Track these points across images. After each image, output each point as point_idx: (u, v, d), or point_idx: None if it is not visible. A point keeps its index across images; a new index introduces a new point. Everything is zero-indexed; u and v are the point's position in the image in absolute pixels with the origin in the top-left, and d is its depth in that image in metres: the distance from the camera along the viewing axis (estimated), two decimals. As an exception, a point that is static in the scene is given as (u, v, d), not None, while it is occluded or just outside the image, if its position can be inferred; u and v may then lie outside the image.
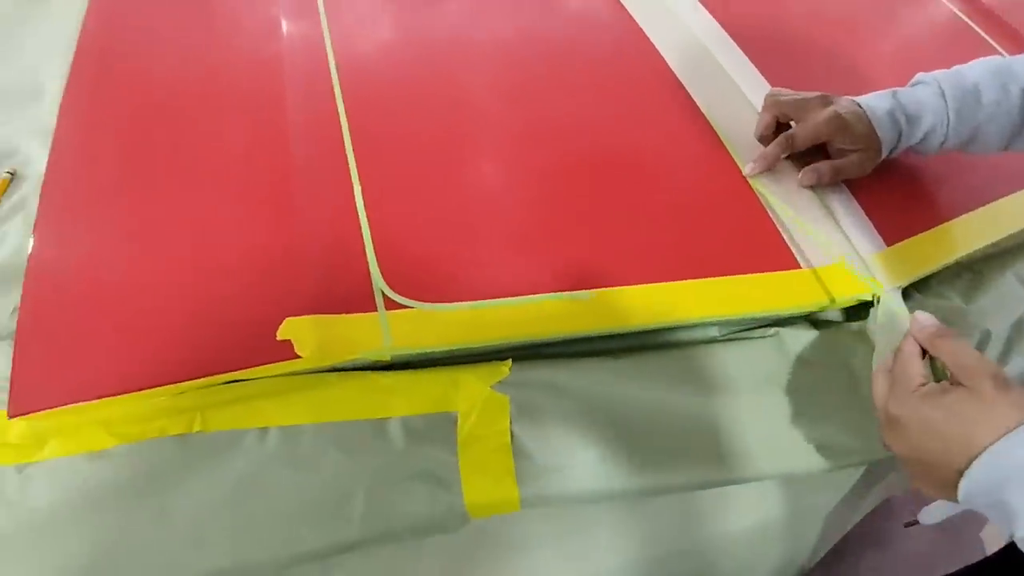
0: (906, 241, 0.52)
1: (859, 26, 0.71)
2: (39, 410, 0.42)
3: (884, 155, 0.53)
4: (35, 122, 0.60)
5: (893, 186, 0.55)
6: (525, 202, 0.54)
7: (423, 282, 0.48)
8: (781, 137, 0.54)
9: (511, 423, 0.46)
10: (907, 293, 0.52)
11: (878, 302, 0.48)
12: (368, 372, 0.46)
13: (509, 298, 0.47)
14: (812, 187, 0.54)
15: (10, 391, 0.42)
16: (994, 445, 0.33)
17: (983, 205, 0.55)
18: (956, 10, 0.74)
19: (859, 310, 0.51)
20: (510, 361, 0.47)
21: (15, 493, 0.41)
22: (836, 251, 0.51)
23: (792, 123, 0.55)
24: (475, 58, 0.66)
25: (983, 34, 0.72)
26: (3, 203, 0.54)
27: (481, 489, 0.45)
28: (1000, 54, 0.68)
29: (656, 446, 0.47)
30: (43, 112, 0.60)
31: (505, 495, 0.45)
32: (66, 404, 0.42)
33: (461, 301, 0.47)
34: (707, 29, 0.67)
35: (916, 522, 0.48)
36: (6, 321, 0.47)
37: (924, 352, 0.40)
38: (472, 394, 0.46)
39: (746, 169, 0.55)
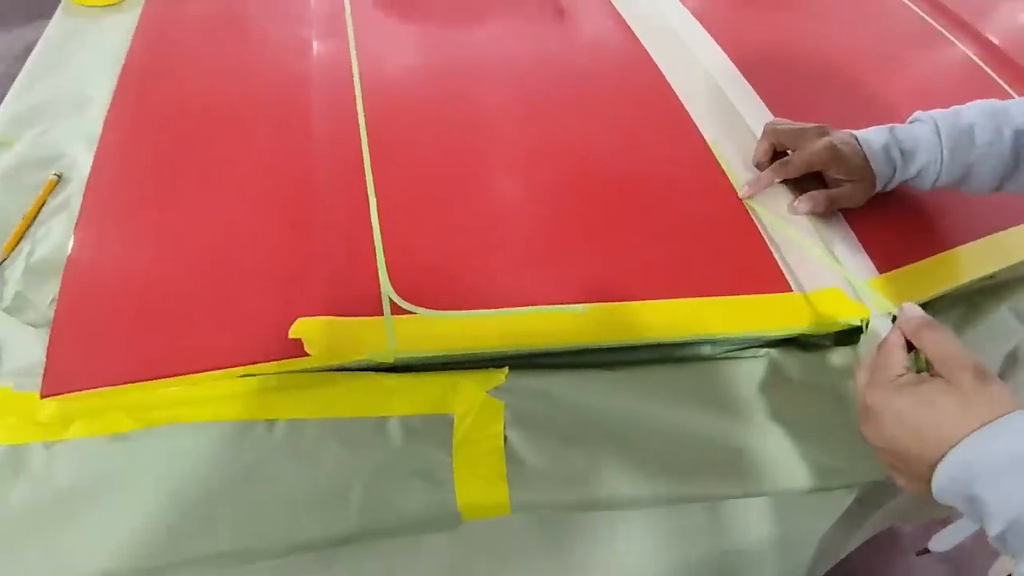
0: (899, 269, 0.53)
1: (869, 64, 0.73)
2: (68, 392, 0.45)
3: (879, 188, 0.54)
4: (81, 129, 0.65)
5: (889, 215, 0.57)
6: (531, 219, 0.57)
7: (429, 291, 0.51)
8: (776, 164, 0.56)
9: (505, 428, 0.48)
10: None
11: (867, 328, 0.49)
12: (372, 373, 0.49)
13: (508, 309, 0.50)
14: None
15: (43, 374, 0.46)
16: (968, 438, 0.33)
17: (979, 238, 0.56)
18: (969, 52, 0.76)
19: (851, 335, 0.52)
20: (507, 369, 0.50)
21: (41, 469, 0.45)
22: (828, 276, 0.52)
23: (789, 151, 0.57)
24: (492, 82, 0.69)
25: (993, 75, 0.73)
26: (49, 203, 0.59)
27: (473, 490, 0.47)
28: (1010, 95, 0.70)
29: (645, 459, 0.48)
30: (89, 120, 0.65)
31: (496, 498, 0.47)
32: (92, 388, 0.45)
33: (464, 310, 0.50)
34: (716, 61, 0.70)
35: (927, 550, 0.48)
36: (44, 310, 0.51)
37: (910, 347, 0.39)
38: (469, 398, 0.48)
39: (741, 192, 0.57)
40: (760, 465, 0.49)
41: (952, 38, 0.78)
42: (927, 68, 0.76)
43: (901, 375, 0.37)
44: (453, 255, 0.54)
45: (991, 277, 0.56)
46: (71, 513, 0.44)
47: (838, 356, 0.52)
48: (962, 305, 0.56)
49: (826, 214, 0.56)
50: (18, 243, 0.55)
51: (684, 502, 0.51)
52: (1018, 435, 0.32)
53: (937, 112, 0.53)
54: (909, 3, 0.83)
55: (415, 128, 0.64)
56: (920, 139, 0.52)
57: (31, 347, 0.48)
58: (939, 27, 0.79)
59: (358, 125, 0.63)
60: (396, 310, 0.50)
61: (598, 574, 0.59)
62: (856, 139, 0.54)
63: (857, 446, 0.49)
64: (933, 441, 0.34)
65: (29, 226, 0.56)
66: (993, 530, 0.32)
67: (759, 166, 0.59)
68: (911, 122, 0.55)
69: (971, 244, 0.55)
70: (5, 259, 0.54)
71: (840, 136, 0.54)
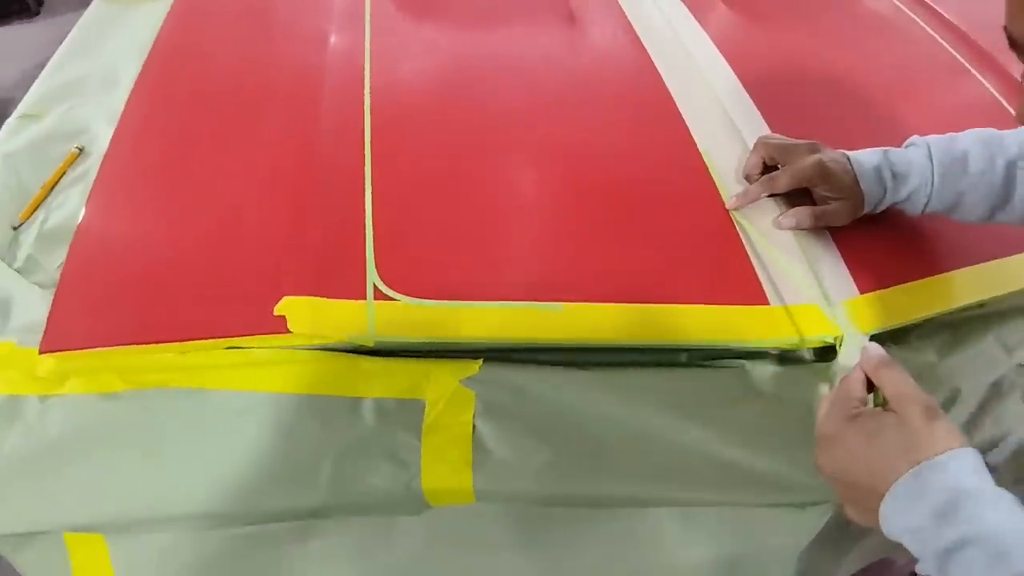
0: (881, 291, 0.53)
1: (881, 91, 0.72)
2: (65, 350, 0.48)
3: (868, 209, 0.54)
4: (108, 108, 0.69)
5: (878, 237, 0.56)
6: (521, 219, 0.58)
7: (415, 280, 0.52)
8: (765, 178, 0.57)
9: (475, 417, 0.49)
10: (881, 342, 0.53)
11: (840, 346, 0.49)
12: (351, 354, 0.51)
13: (486, 302, 0.51)
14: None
15: (44, 332, 0.49)
16: (912, 469, 0.34)
17: (967, 266, 0.55)
18: (988, 84, 0.74)
19: (829, 352, 0.52)
20: (481, 360, 0.51)
21: (36, 420, 0.47)
22: (807, 292, 0.52)
23: (779, 166, 0.58)
24: (497, 84, 0.71)
25: (1004, 103, 0.72)
26: (68, 174, 0.62)
27: (439, 475, 0.48)
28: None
29: (611, 459, 0.49)
30: (115, 100, 0.69)
31: (460, 484, 0.48)
32: (88, 348, 0.48)
33: (445, 301, 0.52)
34: (721, 76, 0.71)
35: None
36: (52, 273, 0.54)
37: (871, 386, 0.40)
38: (442, 385, 0.50)
39: (728, 203, 0.58)
40: (727, 475, 0.49)
41: (972, 69, 0.77)
42: (942, 98, 0.75)
43: (857, 408, 0.38)
44: (441, 248, 0.55)
45: (981, 306, 0.56)
46: (59, 463, 0.47)
47: (813, 373, 0.52)
48: (947, 332, 0.56)
49: (812, 230, 0.56)
50: (36, 210, 0.59)
51: (648, 506, 0.52)
52: (952, 475, 0.33)
53: (932, 137, 0.53)
54: (932, 31, 0.82)
55: (418, 124, 0.66)
56: (913, 163, 0.52)
57: (37, 306, 0.52)
58: (959, 57, 0.78)
59: (364, 118, 0.65)
60: (380, 296, 0.51)
61: (570, 572, 0.60)
62: (848, 159, 0.54)
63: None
64: (882, 472, 0.35)
65: (47, 195, 0.60)
66: (925, 567, 0.33)
67: (748, 179, 0.59)
68: (907, 146, 0.54)
69: (958, 271, 0.55)
70: (22, 224, 0.58)
71: (831, 155, 0.54)
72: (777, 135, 0.59)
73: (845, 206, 0.54)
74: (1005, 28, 0.34)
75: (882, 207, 0.55)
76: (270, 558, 0.57)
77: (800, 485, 0.49)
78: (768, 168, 0.58)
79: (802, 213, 0.55)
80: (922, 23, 0.83)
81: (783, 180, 0.55)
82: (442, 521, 0.55)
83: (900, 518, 0.34)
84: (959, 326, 0.56)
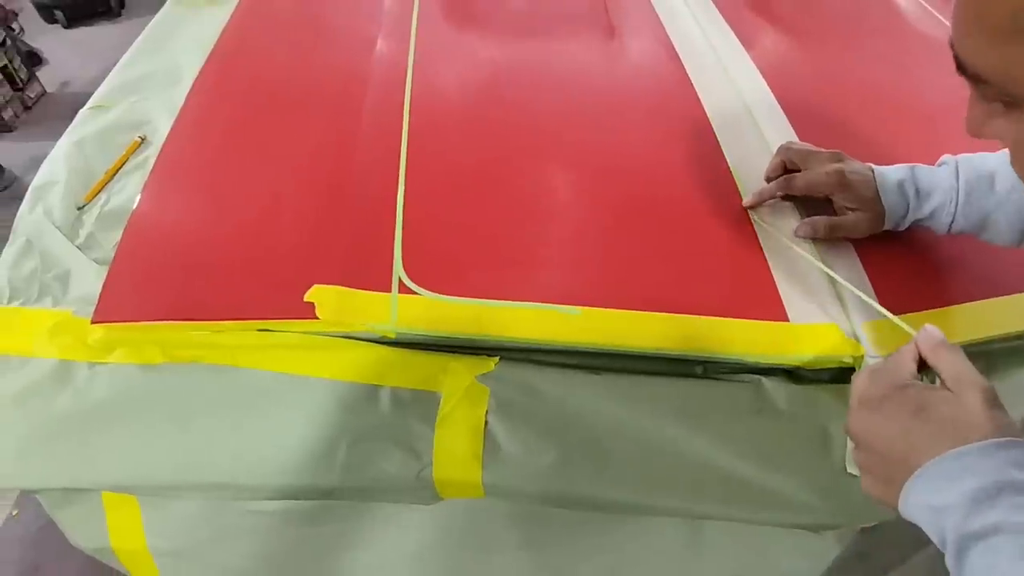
0: (906, 315, 0.52)
1: (920, 112, 0.71)
2: (113, 322, 0.52)
3: (890, 225, 0.53)
4: (170, 102, 0.74)
5: (907, 259, 0.55)
6: (547, 223, 0.59)
7: (439, 276, 0.54)
8: (782, 178, 0.56)
9: (487, 413, 0.50)
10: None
11: (860, 367, 0.48)
12: (373, 344, 0.53)
13: (506, 302, 0.53)
14: (812, 240, 0.56)
15: (96, 304, 0.53)
16: (959, 448, 0.32)
17: (1001, 296, 0.53)
18: None
19: (846, 374, 0.51)
20: (498, 358, 0.52)
21: (83, 384, 0.52)
22: (828, 311, 0.52)
23: (800, 170, 0.57)
24: (534, 93, 0.73)
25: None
26: (130, 161, 0.67)
27: (449, 466, 0.50)
28: None
29: (617, 464, 0.49)
30: (177, 95, 0.74)
31: (470, 477, 0.50)
32: (133, 321, 0.52)
33: (467, 298, 0.53)
34: (756, 91, 0.70)
35: None
36: (108, 251, 0.59)
37: (920, 367, 0.38)
38: (458, 380, 0.51)
39: (744, 200, 0.58)
40: (735, 489, 0.49)
41: None
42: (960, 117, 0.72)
43: (907, 380, 0.37)
44: (467, 248, 0.57)
45: (1020, 337, 0.54)
46: (101, 426, 0.51)
47: (828, 393, 0.51)
48: (981, 361, 0.53)
49: (839, 249, 0.55)
50: (98, 193, 0.64)
51: (654, 515, 0.52)
52: (1012, 463, 0.31)
53: (963, 155, 0.51)
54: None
55: (455, 129, 0.68)
56: (938, 180, 0.51)
57: (93, 281, 0.56)
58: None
59: (403, 120, 0.68)
60: (404, 290, 0.53)
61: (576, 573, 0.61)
62: (872, 171, 0.53)
63: (835, 486, 0.48)
64: (923, 445, 0.33)
65: (110, 179, 0.65)
66: (949, 546, 0.31)
67: (768, 180, 0.59)
68: (938, 165, 0.53)
69: (991, 301, 0.53)
70: (85, 204, 0.63)
71: (853, 165, 0.53)
72: (803, 143, 0.58)
73: (862, 218, 0.53)
74: (951, 45, 0.32)
75: (905, 224, 0.54)
76: (285, 536, 0.60)
77: (811, 506, 0.48)
78: (789, 171, 0.58)
79: (818, 223, 0.55)
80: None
81: (799, 183, 0.55)
82: (452, 516, 0.57)
83: (926, 495, 0.33)
84: (994, 356, 0.54)
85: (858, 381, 0.39)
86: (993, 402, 0.34)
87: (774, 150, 0.64)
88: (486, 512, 0.57)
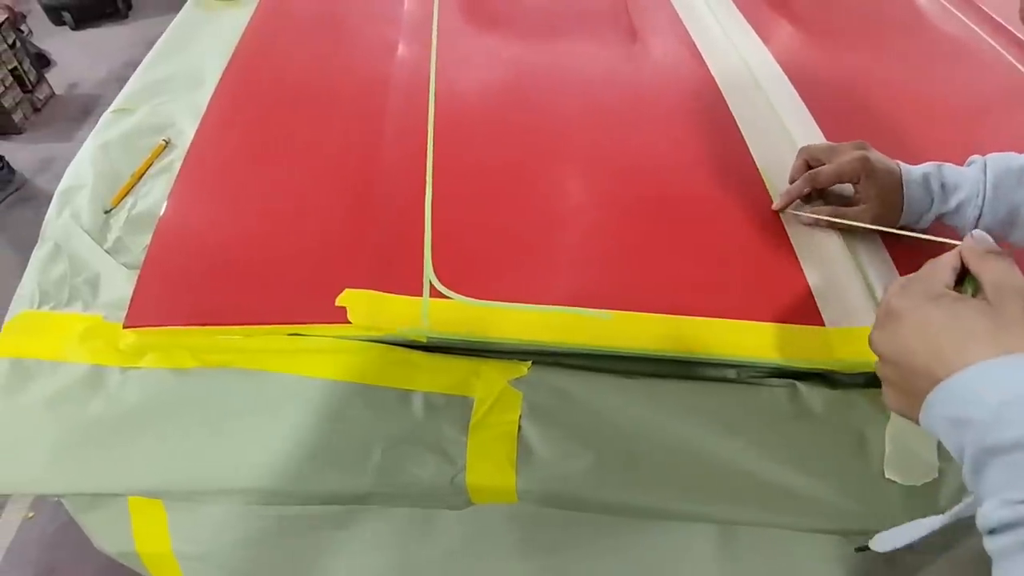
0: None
1: (948, 115, 0.70)
2: (145, 327, 0.52)
3: (912, 220, 0.53)
4: (193, 105, 0.74)
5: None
6: (576, 225, 0.59)
7: (469, 280, 0.54)
8: (808, 173, 0.56)
9: (521, 418, 0.50)
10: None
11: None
12: (404, 348, 0.53)
13: (537, 306, 0.52)
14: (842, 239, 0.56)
15: (128, 309, 0.53)
16: (992, 360, 0.29)
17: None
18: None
19: (883, 378, 0.51)
20: (530, 362, 0.52)
21: (116, 388, 0.51)
22: (864, 314, 0.51)
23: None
24: (558, 96, 0.73)
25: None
26: (155, 164, 0.67)
27: (483, 472, 0.50)
28: None
29: (651, 469, 0.49)
30: (200, 97, 0.74)
31: (504, 482, 0.49)
32: (165, 326, 0.52)
33: (498, 302, 0.53)
34: (783, 95, 0.70)
35: (867, 547, 0.44)
36: (138, 255, 0.59)
37: (960, 279, 0.35)
38: (490, 384, 0.51)
39: (774, 204, 0.58)
40: (770, 495, 0.48)
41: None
42: (1015, 123, 0.72)
43: (941, 291, 0.34)
44: (497, 251, 0.57)
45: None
46: (133, 431, 0.50)
47: (865, 398, 0.50)
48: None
49: (871, 250, 0.55)
50: (125, 196, 0.63)
51: (687, 520, 0.52)
52: None
53: (990, 155, 0.51)
54: (1011, 57, 0.79)
55: (480, 131, 0.68)
56: (964, 174, 0.51)
57: (122, 285, 0.56)
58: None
59: (427, 123, 0.67)
60: (435, 294, 0.53)
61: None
62: (898, 165, 0.53)
63: (873, 491, 0.48)
64: (950, 356, 0.31)
65: (136, 183, 0.65)
66: (967, 461, 0.30)
67: (792, 181, 0.59)
68: (966, 165, 0.53)
69: None
70: (112, 208, 0.63)
71: (878, 155, 0.53)
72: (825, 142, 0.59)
73: (871, 208, 0.53)
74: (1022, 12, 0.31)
75: (930, 217, 0.53)
76: (312, 540, 0.60)
77: (845, 512, 0.47)
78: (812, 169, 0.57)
79: (823, 209, 0.55)
80: (1000, 48, 0.80)
81: (824, 174, 0.54)
82: (480, 520, 0.56)
83: (950, 407, 0.31)
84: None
85: (889, 292, 0.36)
86: None
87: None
88: (514, 516, 0.57)
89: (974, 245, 0.35)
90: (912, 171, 0.52)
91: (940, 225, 0.54)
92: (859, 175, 0.53)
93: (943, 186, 0.51)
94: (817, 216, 0.56)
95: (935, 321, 0.33)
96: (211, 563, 0.61)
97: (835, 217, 0.55)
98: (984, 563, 0.30)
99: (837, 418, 0.50)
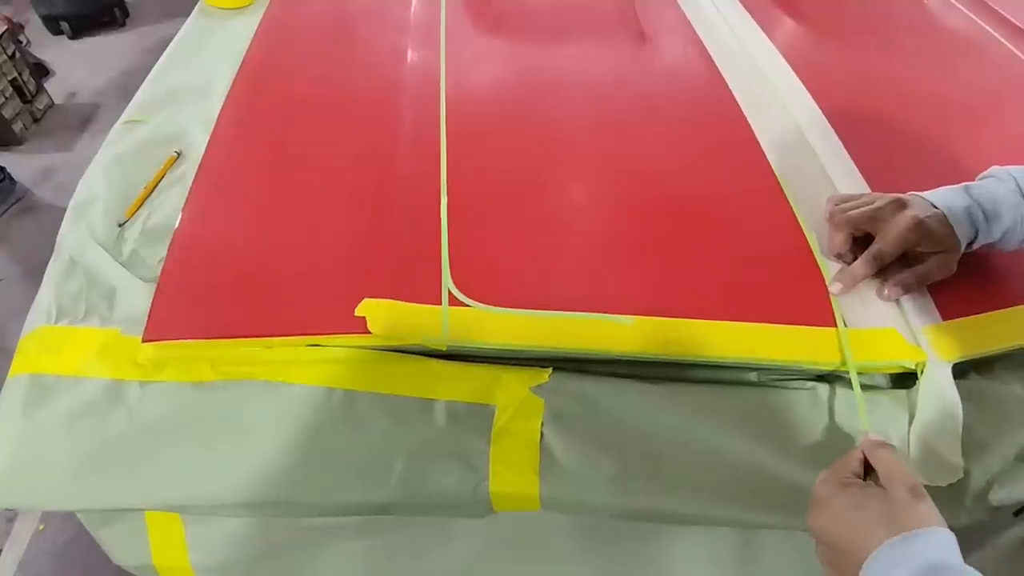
0: (964, 319, 0.51)
1: (963, 115, 0.70)
2: (164, 340, 0.52)
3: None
4: (203, 114, 0.73)
5: (962, 263, 0.55)
6: (593, 231, 0.59)
7: (487, 287, 0.54)
8: (869, 256, 0.53)
9: (543, 425, 0.50)
10: (963, 371, 0.51)
11: (922, 373, 0.48)
12: (425, 357, 0.53)
13: (557, 312, 0.52)
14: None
15: (146, 323, 0.52)
16: (892, 539, 0.36)
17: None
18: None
19: (905, 380, 0.51)
20: (551, 369, 0.52)
21: (135, 402, 0.51)
22: (885, 316, 0.51)
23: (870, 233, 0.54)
24: (570, 99, 0.72)
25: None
26: (168, 176, 0.67)
27: (506, 480, 0.49)
28: None
29: (676, 474, 0.49)
30: (210, 107, 0.73)
31: (528, 490, 0.49)
32: (184, 339, 0.52)
33: (517, 309, 0.53)
34: (796, 96, 0.70)
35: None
36: (153, 267, 0.58)
37: (868, 471, 0.43)
38: (512, 392, 0.51)
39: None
40: (794, 498, 0.48)
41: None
42: (1014, 125, 0.72)
43: (850, 479, 0.42)
44: (514, 257, 0.57)
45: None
46: (154, 445, 0.50)
47: (890, 399, 0.50)
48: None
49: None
50: (139, 208, 0.63)
51: (710, 524, 0.51)
52: (931, 548, 0.36)
53: (1015, 169, 0.50)
54: (1018, 51, 0.79)
55: (493, 137, 0.68)
56: (1001, 199, 0.50)
57: (139, 298, 0.55)
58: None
59: (440, 130, 0.67)
60: (454, 302, 0.53)
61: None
62: (935, 207, 0.51)
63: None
64: (863, 540, 0.38)
65: (149, 195, 0.64)
66: None
67: (841, 257, 0.55)
68: (983, 177, 0.52)
69: (1050, 302, 0.52)
70: (127, 221, 0.62)
71: (919, 206, 0.51)
72: (846, 196, 0.56)
73: (946, 258, 0.51)
74: None
75: (974, 247, 0.52)
76: (331, 550, 0.59)
77: (874, 514, 0.47)
78: (856, 239, 0.55)
79: (907, 279, 0.52)
80: (1008, 43, 0.80)
81: (889, 253, 0.52)
82: (499, 528, 0.56)
83: None
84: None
85: (817, 481, 0.44)
86: (918, 494, 0.38)
87: (817, 151, 0.63)
88: (534, 524, 0.57)
89: (867, 441, 0.43)
90: (953, 209, 0.51)
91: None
92: (919, 242, 0.51)
93: (985, 216, 0.50)
94: (907, 286, 0.53)
95: (846, 508, 0.40)
96: (229, 575, 0.61)
97: (921, 279, 0.52)
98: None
99: (860, 421, 0.50)
